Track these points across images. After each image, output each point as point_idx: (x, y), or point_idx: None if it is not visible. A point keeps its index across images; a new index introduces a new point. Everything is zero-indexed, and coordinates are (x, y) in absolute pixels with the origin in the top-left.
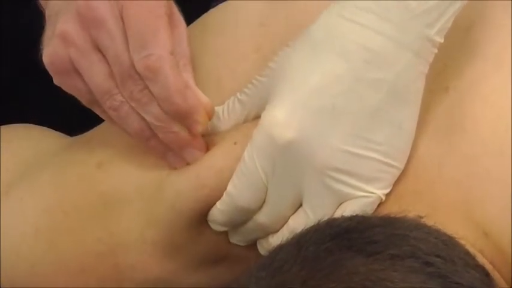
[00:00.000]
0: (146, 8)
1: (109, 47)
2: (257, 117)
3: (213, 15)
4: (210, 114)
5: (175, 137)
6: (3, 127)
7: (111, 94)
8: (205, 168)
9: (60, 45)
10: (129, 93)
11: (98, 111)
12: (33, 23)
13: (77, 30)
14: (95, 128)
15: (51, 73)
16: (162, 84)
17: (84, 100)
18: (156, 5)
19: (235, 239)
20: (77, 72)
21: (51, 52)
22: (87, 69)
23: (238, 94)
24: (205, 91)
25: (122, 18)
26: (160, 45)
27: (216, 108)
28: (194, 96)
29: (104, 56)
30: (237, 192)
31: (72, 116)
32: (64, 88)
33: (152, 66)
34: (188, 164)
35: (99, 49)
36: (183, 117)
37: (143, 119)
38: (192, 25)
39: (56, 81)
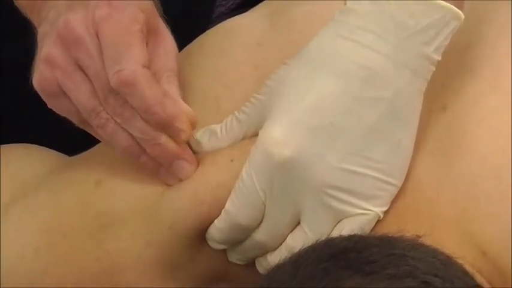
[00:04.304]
0: (120, 25)
1: (89, 65)
2: (255, 135)
3: (210, 36)
4: (193, 123)
5: (163, 149)
6: (2, 146)
7: (96, 112)
8: (202, 184)
9: (47, 69)
10: (112, 109)
11: (90, 131)
12: (33, 50)
13: (59, 52)
14: (94, 147)
15: (42, 97)
16: (139, 97)
17: (75, 121)
18: (130, 22)
19: (234, 257)
20: (64, 94)
21: (39, 76)
22: (72, 90)
23: (236, 112)
24: (203, 110)
25: (97, 36)
26: (133, 60)
27: (214, 126)
28: (174, 104)
29: (86, 75)
30: (235, 210)
31: (71, 136)
32: (56, 110)
33: (125, 80)
34: (180, 180)
35: (81, 69)
36: (165, 126)
37: (130, 135)
38: (189, 45)
39: (48, 104)
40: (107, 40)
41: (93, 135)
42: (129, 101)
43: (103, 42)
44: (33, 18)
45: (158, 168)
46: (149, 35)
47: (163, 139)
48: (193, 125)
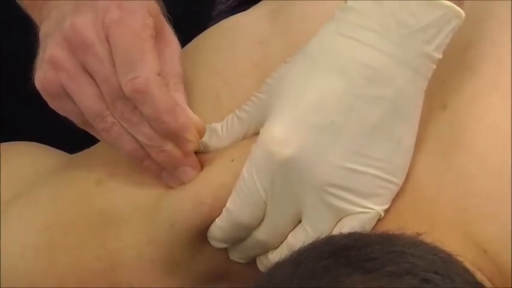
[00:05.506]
0: (132, 31)
1: (97, 70)
2: (256, 133)
3: (211, 33)
4: (202, 133)
5: (168, 156)
6: (3, 144)
7: (102, 116)
8: (203, 186)
9: (50, 70)
10: (120, 114)
11: (92, 132)
12: (35, 48)
13: (65, 54)
14: (94, 146)
15: (44, 97)
16: (151, 105)
17: (78, 122)
18: (141, 28)
19: (235, 256)
20: (68, 95)
21: (41, 77)
22: (77, 93)
23: (237, 111)
24: (203, 108)
25: (107, 40)
26: (147, 67)
27: (215, 125)
28: (184, 114)
29: (93, 78)
30: (236, 209)
31: (71, 136)
32: (58, 111)
33: (139, 88)
34: (183, 183)
35: (88, 72)
36: (173, 136)
37: (135, 139)
38: (190, 43)
39: (50, 104)
40: (119, 46)
41: (95, 136)
42: (140, 108)
43: (115, 48)
44: (35, 16)
45: (161, 171)
46: (156, 38)
47: (169, 146)
48: (201, 135)
